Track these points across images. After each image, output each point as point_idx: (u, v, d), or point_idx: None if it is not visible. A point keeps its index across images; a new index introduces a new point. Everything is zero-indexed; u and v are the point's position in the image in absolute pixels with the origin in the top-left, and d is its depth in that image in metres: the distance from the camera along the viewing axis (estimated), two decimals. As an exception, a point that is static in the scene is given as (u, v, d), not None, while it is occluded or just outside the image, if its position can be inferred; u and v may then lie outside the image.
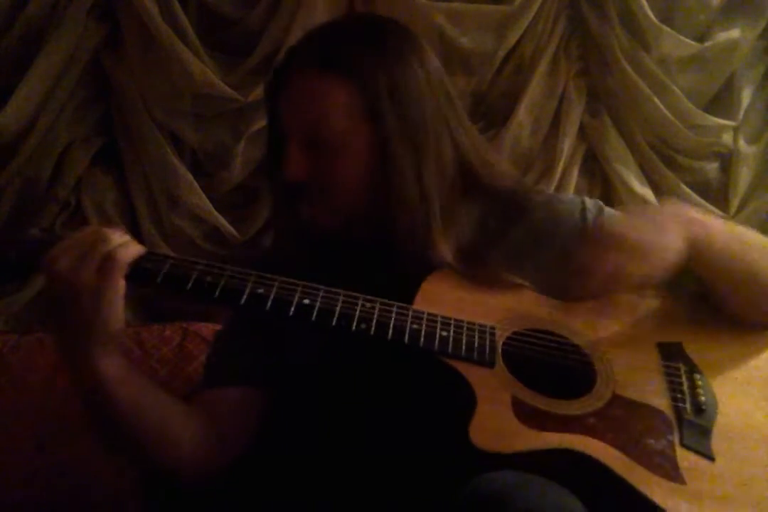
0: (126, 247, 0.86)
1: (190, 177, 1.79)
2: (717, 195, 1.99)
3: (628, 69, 1.86)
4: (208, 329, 1.53)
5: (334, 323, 0.89)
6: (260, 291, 0.89)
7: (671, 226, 0.92)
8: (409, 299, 0.95)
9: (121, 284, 0.85)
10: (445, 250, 1.00)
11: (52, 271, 0.84)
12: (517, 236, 1.05)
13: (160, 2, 1.73)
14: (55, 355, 1.50)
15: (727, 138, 1.97)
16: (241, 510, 1.07)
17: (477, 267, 1.00)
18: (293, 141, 1.00)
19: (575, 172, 1.92)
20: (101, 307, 0.84)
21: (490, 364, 0.90)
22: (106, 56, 1.79)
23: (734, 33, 1.92)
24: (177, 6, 1.74)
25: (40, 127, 1.73)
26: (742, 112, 1.96)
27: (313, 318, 0.89)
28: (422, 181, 0.99)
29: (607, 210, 1.10)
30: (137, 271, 0.87)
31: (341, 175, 1.00)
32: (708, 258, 0.95)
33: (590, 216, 1.07)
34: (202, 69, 1.75)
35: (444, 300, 0.96)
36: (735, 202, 1.97)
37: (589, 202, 1.10)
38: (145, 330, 1.54)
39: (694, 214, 0.97)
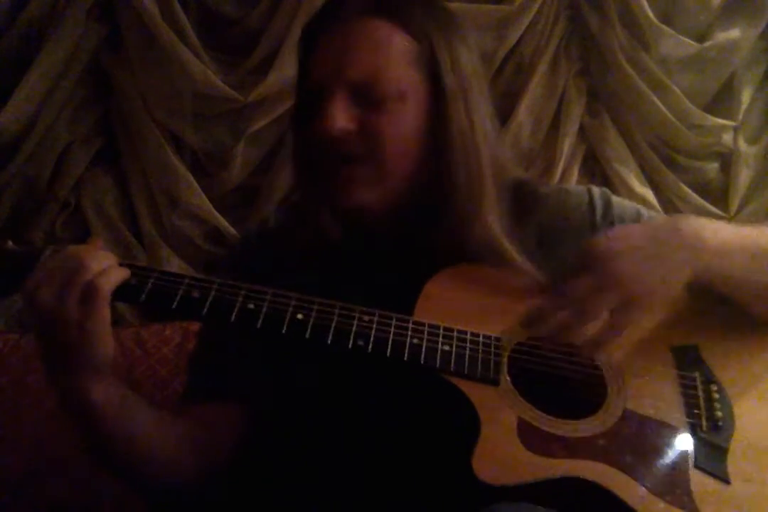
0: (107, 275, 0.80)
1: (190, 177, 1.79)
2: (717, 195, 1.99)
3: (628, 69, 1.86)
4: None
5: (329, 340, 0.84)
6: (251, 306, 0.84)
7: (678, 259, 0.85)
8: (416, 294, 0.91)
9: (106, 314, 0.79)
10: (493, 219, 0.93)
11: (33, 305, 0.79)
12: (524, 232, 1.00)
13: (160, 2, 1.73)
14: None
15: (727, 138, 1.97)
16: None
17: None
18: (339, 92, 0.91)
19: (575, 172, 1.92)
20: (87, 339, 0.79)
21: (495, 382, 0.85)
22: (106, 56, 1.79)
23: (734, 33, 1.91)
24: (177, 6, 1.74)
25: (40, 127, 1.73)
26: (742, 112, 1.95)
27: (308, 335, 0.84)
28: (475, 142, 0.93)
29: (615, 199, 1.05)
30: (119, 291, 0.82)
31: (391, 133, 0.91)
32: (723, 282, 0.90)
33: (599, 211, 1.03)
34: (202, 69, 1.75)
35: (446, 306, 0.91)
36: (735, 202, 1.96)
37: (596, 193, 1.05)
38: (145, 330, 1.53)
39: (710, 236, 0.88)
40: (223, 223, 1.81)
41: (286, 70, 1.76)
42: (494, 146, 0.99)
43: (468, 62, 0.97)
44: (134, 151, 1.81)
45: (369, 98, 0.91)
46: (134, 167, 1.82)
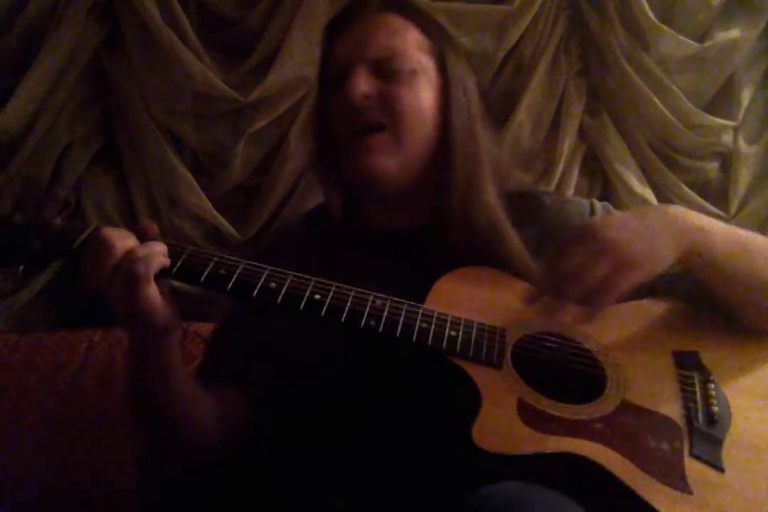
0: (148, 260, 0.86)
1: (190, 177, 1.79)
2: (717, 195, 1.99)
3: (628, 69, 1.86)
4: (208, 329, 1.52)
5: (343, 319, 0.89)
6: (272, 285, 0.90)
7: (666, 233, 0.90)
8: (426, 289, 0.96)
9: (150, 292, 0.85)
10: (491, 197, 1.03)
11: (90, 286, 0.87)
12: (525, 239, 1.05)
13: (160, 2, 1.73)
14: (56, 355, 1.51)
15: (727, 138, 1.97)
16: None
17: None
18: (359, 67, 1.03)
19: (575, 172, 1.92)
20: (139, 312, 0.86)
21: (498, 366, 0.89)
22: (106, 56, 1.79)
23: (734, 33, 1.92)
24: (177, 6, 1.74)
25: (40, 127, 1.73)
26: (742, 112, 1.96)
27: (323, 313, 0.89)
28: (473, 128, 1.06)
29: (615, 213, 1.10)
30: None
31: (407, 101, 1.02)
32: (709, 267, 0.93)
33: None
34: (202, 69, 1.75)
35: (456, 300, 0.95)
36: (735, 202, 1.96)
37: (598, 205, 1.10)
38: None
39: (696, 219, 0.94)
40: (223, 222, 1.81)
41: (286, 70, 1.77)
42: (490, 141, 1.10)
43: (468, 76, 1.10)
44: (134, 151, 1.82)
45: (386, 71, 1.03)
46: (134, 167, 1.82)
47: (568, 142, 1.89)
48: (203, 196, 1.80)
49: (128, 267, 0.85)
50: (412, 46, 1.05)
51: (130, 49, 1.78)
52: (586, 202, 1.12)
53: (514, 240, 1.02)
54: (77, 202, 1.80)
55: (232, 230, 1.82)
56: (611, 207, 1.11)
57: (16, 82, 1.71)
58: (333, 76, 1.07)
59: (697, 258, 0.92)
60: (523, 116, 1.87)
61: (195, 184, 1.80)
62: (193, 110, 1.80)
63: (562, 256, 0.87)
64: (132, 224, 1.80)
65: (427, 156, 1.05)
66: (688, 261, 0.92)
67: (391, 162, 1.02)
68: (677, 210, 0.94)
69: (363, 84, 1.01)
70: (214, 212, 1.81)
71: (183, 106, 1.80)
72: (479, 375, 0.87)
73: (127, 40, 1.78)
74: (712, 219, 0.96)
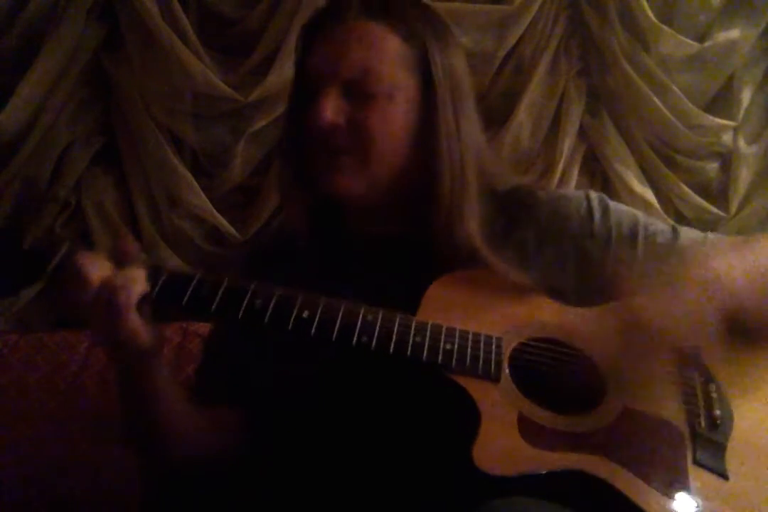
0: (127, 289, 0.83)
1: (190, 177, 1.79)
2: (717, 195, 2.00)
3: (628, 69, 1.86)
4: (208, 329, 1.52)
5: (334, 337, 0.86)
6: (258, 303, 0.86)
7: (699, 305, 0.82)
8: (418, 296, 0.93)
9: (131, 320, 0.83)
10: (473, 226, 0.96)
11: (71, 317, 0.86)
12: (521, 237, 1.02)
13: (160, 2, 1.73)
14: (56, 355, 1.51)
15: (727, 138, 1.97)
16: None
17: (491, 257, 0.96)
18: (331, 87, 0.95)
19: (575, 172, 1.92)
20: (122, 338, 0.84)
21: (496, 379, 0.86)
22: (106, 56, 1.79)
23: (734, 33, 1.92)
24: (177, 6, 1.75)
25: (40, 127, 1.73)
26: (742, 112, 1.96)
27: (313, 331, 0.86)
28: (461, 149, 0.97)
29: (612, 205, 1.06)
30: None
31: (377, 129, 0.95)
32: (739, 310, 0.86)
33: (597, 217, 1.04)
34: (202, 69, 1.75)
35: (449, 308, 0.92)
36: (735, 202, 1.97)
37: (594, 198, 1.06)
38: (145, 330, 1.53)
39: (712, 264, 0.86)
40: (223, 222, 1.82)
41: (286, 70, 1.76)
42: (481, 154, 1.02)
43: (460, 69, 1.01)
44: (134, 151, 1.81)
45: (359, 94, 0.95)
46: (134, 167, 1.82)
47: (568, 142, 1.89)
48: (203, 196, 1.80)
49: (107, 299, 0.82)
50: (390, 63, 0.96)
51: (130, 49, 1.78)
52: (581, 194, 1.07)
53: (499, 266, 0.96)
54: (77, 202, 1.80)
55: (232, 230, 1.82)
56: (607, 199, 1.07)
57: (16, 82, 1.71)
58: (305, 90, 0.99)
59: (730, 315, 0.84)
60: (523, 116, 1.87)
61: (195, 184, 1.80)
62: (193, 110, 1.81)
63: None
64: (130, 225, 1.82)
65: (403, 174, 0.98)
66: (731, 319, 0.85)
67: (358, 182, 0.96)
68: (693, 261, 0.87)
69: (330, 111, 0.94)
70: (214, 212, 1.81)
71: (183, 106, 1.80)
72: (477, 390, 0.85)
73: (127, 40, 1.78)
74: (727, 262, 0.89)
